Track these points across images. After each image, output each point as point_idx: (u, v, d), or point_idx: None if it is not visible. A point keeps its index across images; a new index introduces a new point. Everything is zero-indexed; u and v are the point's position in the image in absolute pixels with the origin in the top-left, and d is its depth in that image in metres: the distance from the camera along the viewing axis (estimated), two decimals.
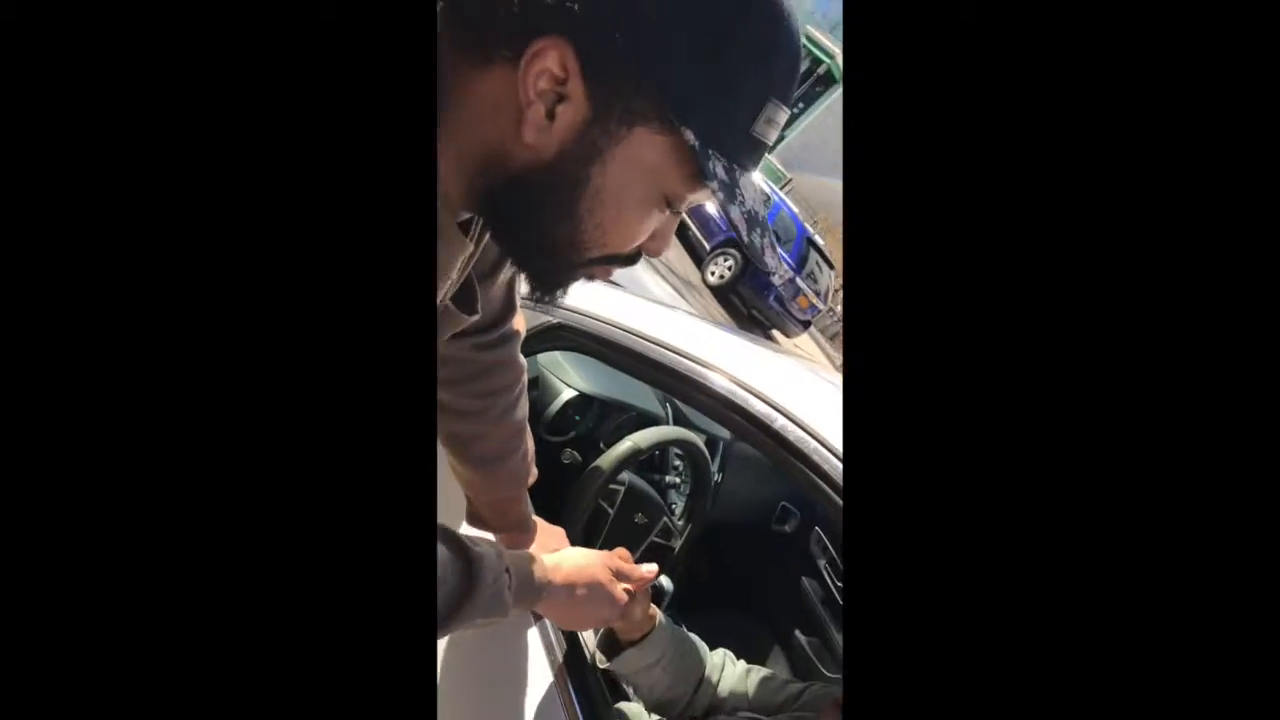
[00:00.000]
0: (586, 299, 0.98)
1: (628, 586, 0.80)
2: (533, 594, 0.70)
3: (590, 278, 0.54)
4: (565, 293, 0.53)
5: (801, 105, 16.19)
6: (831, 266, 8.65)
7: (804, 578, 1.66)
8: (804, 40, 0.48)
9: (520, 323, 0.81)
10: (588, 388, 1.18)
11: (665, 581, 1.29)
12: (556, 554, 0.76)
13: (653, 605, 0.87)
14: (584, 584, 0.74)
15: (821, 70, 14.99)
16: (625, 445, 1.05)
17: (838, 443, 0.72)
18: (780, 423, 0.75)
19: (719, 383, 0.82)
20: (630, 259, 0.52)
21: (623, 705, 1.08)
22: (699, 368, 0.84)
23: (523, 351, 0.85)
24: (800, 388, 0.80)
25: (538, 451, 0.90)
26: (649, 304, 1.00)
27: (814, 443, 0.72)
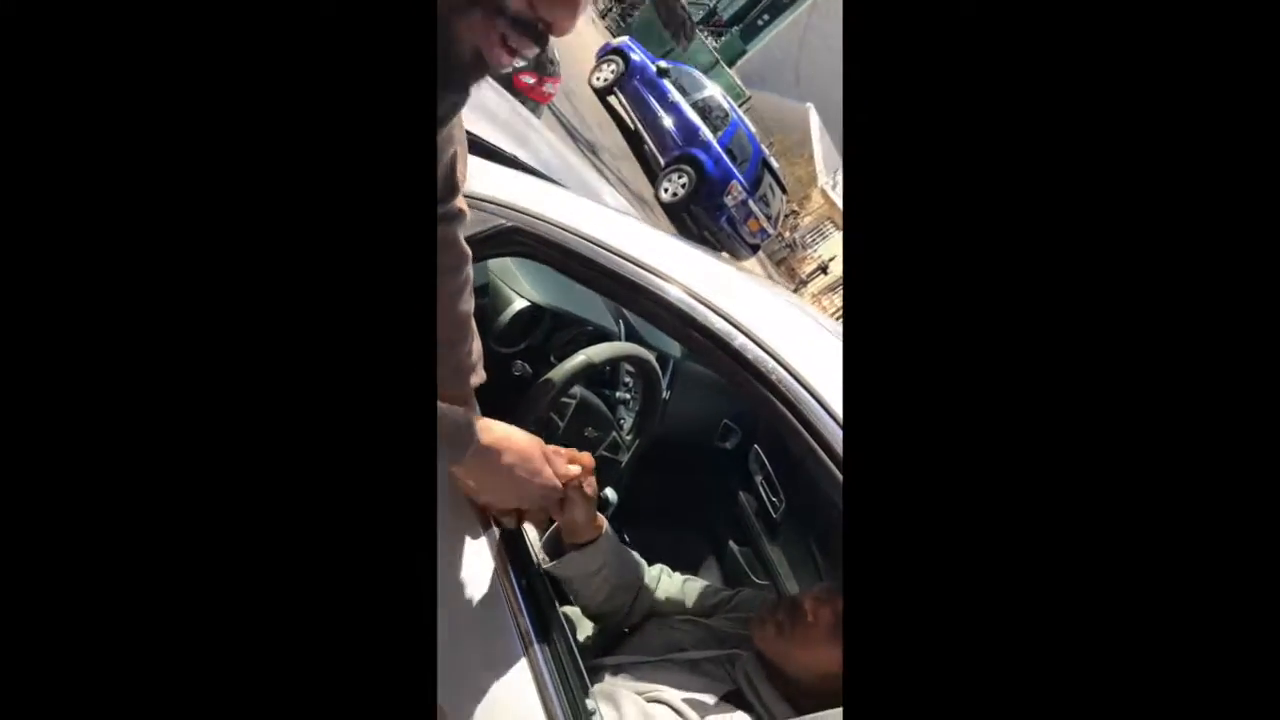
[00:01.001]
0: (541, 202, 0.94)
1: (564, 479, 0.79)
2: (460, 443, 0.69)
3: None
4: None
5: (766, 17, 15.61)
6: (784, 190, 8.60)
7: (741, 492, 1.72)
8: None
9: (463, 203, 0.77)
10: (540, 298, 1.14)
11: (610, 493, 1.32)
12: (492, 420, 0.76)
13: (599, 515, 0.88)
14: (512, 453, 0.74)
15: None
16: (578, 359, 1.04)
17: (796, 363, 0.72)
18: (740, 341, 0.75)
19: (676, 296, 0.80)
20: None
21: (565, 610, 1.12)
22: (656, 279, 0.82)
23: (475, 258, 0.81)
24: (760, 306, 0.79)
25: (486, 363, 0.87)
26: (606, 210, 0.96)
27: (772, 362, 0.72)
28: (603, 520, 0.89)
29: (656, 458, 1.58)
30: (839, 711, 0.58)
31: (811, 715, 0.59)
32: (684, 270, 0.83)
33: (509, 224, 0.94)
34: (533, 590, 0.78)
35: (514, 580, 0.78)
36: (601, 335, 1.24)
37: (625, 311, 1.39)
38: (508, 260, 1.11)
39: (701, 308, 0.78)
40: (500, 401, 0.98)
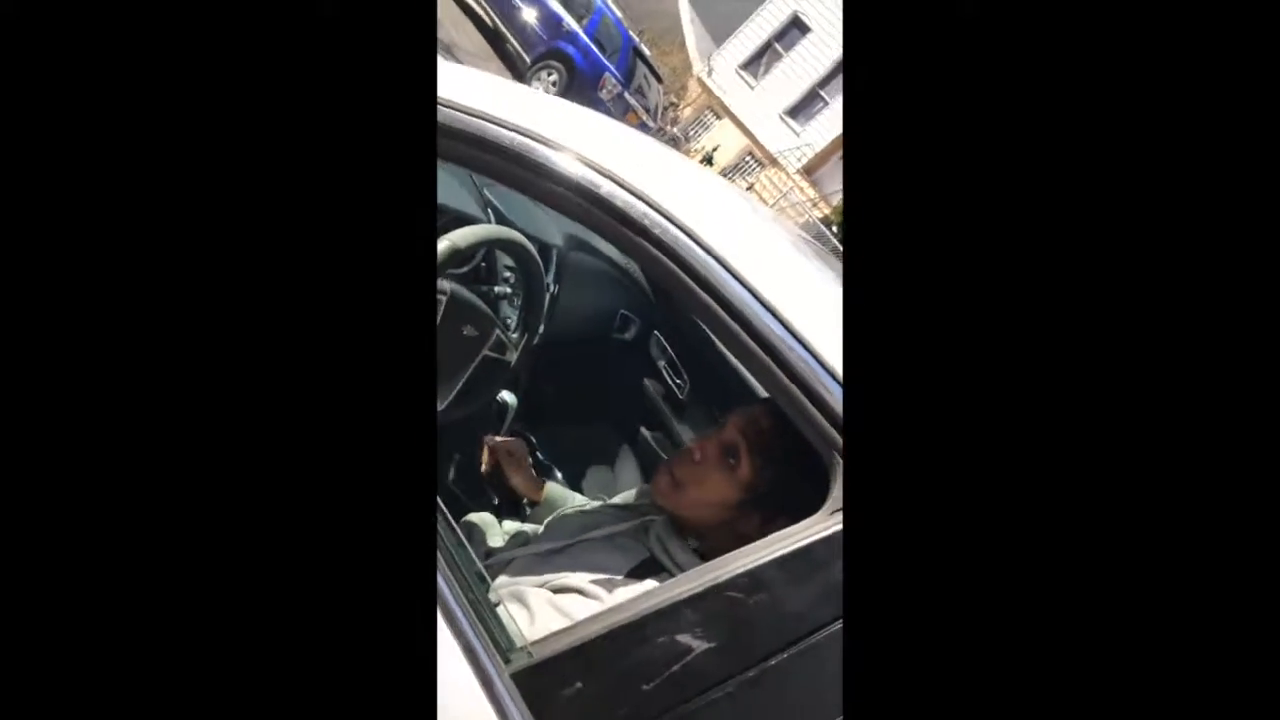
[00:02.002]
0: None
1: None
2: None
3: None
4: None
5: None
6: (660, 80, 8.32)
7: (645, 379, 1.70)
8: None
9: None
10: None
11: (507, 396, 1.25)
12: None
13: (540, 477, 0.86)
14: None
15: None
16: (442, 245, 0.93)
17: (706, 235, 0.65)
18: (641, 210, 0.66)
19: (568, 165, 0.70)
20: None
21: (472, 516, 1.06)
22: (541, 147, 0.71)
23: None
24: (661, 173, 0.70)
25: None
26: (476, 72, 0.82)
27: (681, 235, 0.65)
28: (545, 482, 0.95)
29: (554, 356, 1.51)
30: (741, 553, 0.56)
31: (717, 560, 0.57)
32: (575, 134, 0.72)
33: None
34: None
35: None
36: (464, 222, 1.13)
37: (490, 198, 1.27)
38: None
39: (597, 176, 0.68)
40: None
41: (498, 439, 1.11)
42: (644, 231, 0.67)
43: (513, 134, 0.71)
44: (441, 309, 0.98)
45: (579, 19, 7.42)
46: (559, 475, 1.36)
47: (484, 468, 1.11)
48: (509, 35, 7.41)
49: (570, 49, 7.26)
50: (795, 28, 12.75)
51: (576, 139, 0.71)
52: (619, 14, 8.12)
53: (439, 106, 0.73)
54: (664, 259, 0.66)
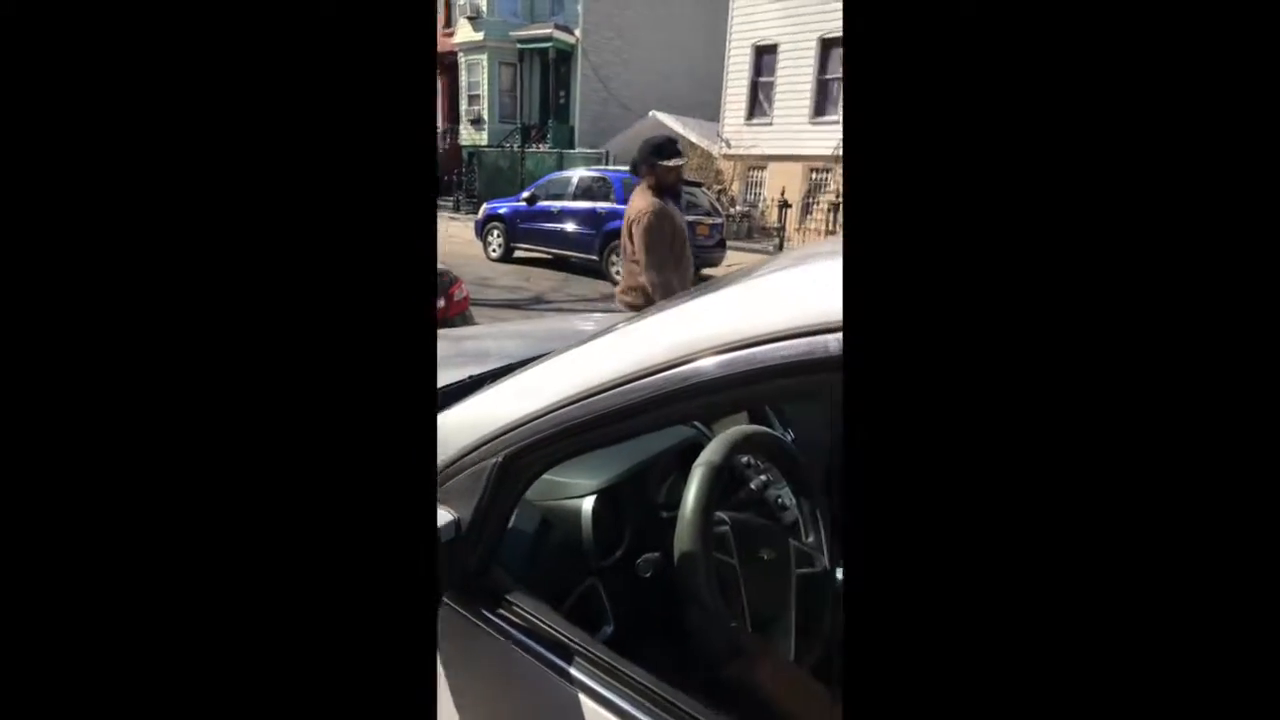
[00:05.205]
0: (500, 412, 0.76)
1: None
2: None
3: None
4: None
5: (563, 92, 16.23)
6: (698, 184, 8.51)
7: None
8: None
9: None
10: (596, 481, 0.95)
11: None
12: None
13: None
14: None
15: None
16: (695, 479, 0.82)
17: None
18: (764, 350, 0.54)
19: (714, 364, 0.60)
20: None
21: None
22: (685, 369, 0.62)
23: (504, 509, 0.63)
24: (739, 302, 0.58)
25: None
26: (583, 351, 0.77)
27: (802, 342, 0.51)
28: None
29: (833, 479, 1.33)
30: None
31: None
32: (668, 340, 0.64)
33: (519, 445, 0.75)
34: None
35: None
36: (682, 453, 1.03)
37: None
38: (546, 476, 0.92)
39: (738, 353, 0.58)
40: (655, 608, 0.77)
41: None
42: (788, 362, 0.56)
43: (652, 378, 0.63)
44: (731, 543, 0.86)
45: (606, 198, 7.95)
46: None
47: None
48: (569, 254, 8.04)
49: (619, 224, 7.70)
50: (763, 54, 12.92)
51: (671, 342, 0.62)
52: (627, 169, 8.62)
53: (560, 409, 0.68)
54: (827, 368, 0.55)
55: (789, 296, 0.60)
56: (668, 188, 2.48)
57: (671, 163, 2.44)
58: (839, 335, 0.52)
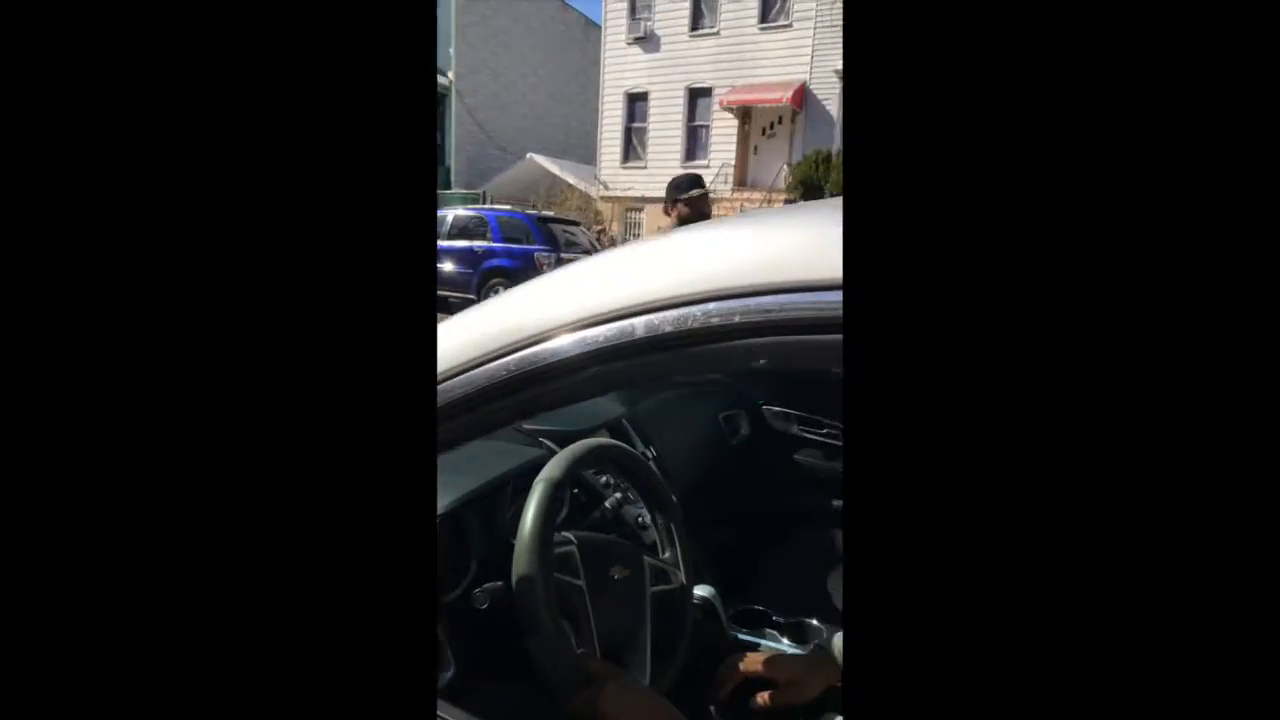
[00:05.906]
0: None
1: None
2: None
3: None
4: None
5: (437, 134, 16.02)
6: (577, 223, 8.61)
7: (795, 455, 1.49)
8: None
9: None
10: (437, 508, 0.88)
11: (704, 591, 1.04)
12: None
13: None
14: None
15: None
16: (535, 494, 0.76)
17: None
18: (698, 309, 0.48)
19: (598, 335, 0.51)
20: None
21: None
22: (551, 345, 0.54)
23: None
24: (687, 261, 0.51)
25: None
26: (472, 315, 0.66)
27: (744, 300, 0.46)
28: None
29: (708, 514, 1.31)
30: None
31: None
32: (568, 303, 0.55)
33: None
34: None
35: None
36: (534, 473, 0.97)
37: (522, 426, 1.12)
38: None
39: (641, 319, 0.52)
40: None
41: (740, 664, 0.82)
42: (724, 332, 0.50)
43: (526, 349, 0.55)
44: (576, 562, 0.81)
45: (483, 236, 7.85)
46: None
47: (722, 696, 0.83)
48: (446, 294, 7.82)
49: (496, 262, 7.62)
50: (635, 101, 13.41)
51: (571, 310, 0.56)
52: (506, 207, 8.59)
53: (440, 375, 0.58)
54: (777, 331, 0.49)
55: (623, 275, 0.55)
56: (701, 216, 2.69)
57: (695, 193, 2.68)
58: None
